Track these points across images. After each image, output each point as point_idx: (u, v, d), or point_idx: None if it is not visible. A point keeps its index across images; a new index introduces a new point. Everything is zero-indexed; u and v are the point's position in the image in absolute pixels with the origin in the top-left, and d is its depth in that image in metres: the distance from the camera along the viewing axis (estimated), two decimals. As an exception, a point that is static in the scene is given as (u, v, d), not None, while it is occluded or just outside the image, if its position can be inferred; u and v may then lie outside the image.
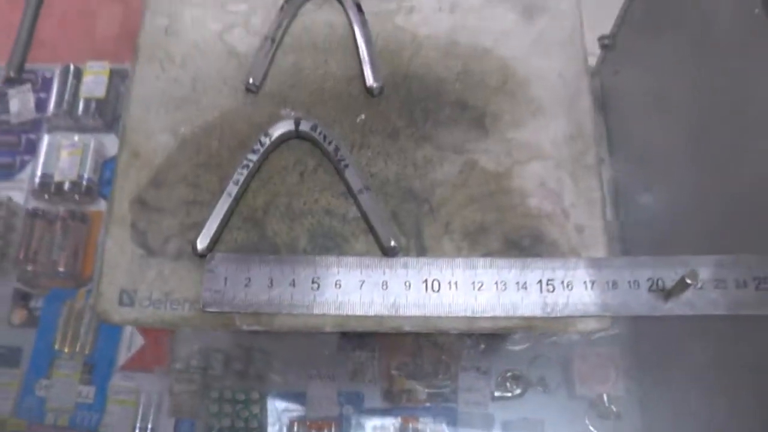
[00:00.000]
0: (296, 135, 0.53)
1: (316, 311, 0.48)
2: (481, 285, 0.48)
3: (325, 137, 0.52)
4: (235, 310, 0.48)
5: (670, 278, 0.48)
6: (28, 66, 0.97)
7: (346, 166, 0.51)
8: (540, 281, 0.49)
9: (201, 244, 0.49)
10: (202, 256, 0.49)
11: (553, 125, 0.54)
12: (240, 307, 0.48)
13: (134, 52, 0.55)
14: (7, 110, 1.03)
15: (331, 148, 0.51)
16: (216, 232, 0.49)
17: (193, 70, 0.56)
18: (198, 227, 0.49)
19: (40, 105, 1.03)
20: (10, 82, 0.96)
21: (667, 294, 0.48)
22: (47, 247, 0.92)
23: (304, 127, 0.52)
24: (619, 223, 0.91)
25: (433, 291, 0.49)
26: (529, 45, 0.57)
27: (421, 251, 0.50)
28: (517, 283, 0.49)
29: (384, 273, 0.49)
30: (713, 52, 0.62)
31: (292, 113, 0.54)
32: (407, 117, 0.54)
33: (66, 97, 0.99)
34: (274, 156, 0.52)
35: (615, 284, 0.49)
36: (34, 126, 1.03)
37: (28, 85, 1.05)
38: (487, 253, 0.50)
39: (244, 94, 0.54)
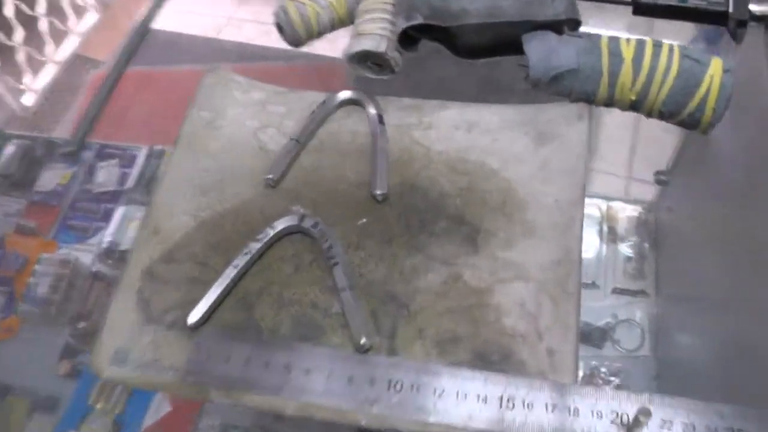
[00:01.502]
0: (298, 230, 0.58)
1: (283, 394, 0.52)
2: (442, 392, 0.51)
3: (323, 235, 0.57)
4: (211, 382, 0.53)
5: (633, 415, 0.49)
6: (117, 143, 1.12)
7: (336, 264, 0.55)
8: (501, 396, 0.51)
9: (193, 318, 0.54)
10: (192, 329, 0.55)
11: (542, 248, 0.57)
12: (216, 381, 0.52)
13: (175, 139, 0.64)
14: (91, 180, 1.17)
15: (325, 246, 0.57)
16: (209, 309, 0.54)
17: (224, 163, 0.63)
18: (196, 304, 0.55)
19: (123, 179, 1.17)
20: (70, 155, 1.11)
21: (628, 430, 0.48)
22: (102, 307, 1.03)
23: (307, 223, 0.58)
24: (657, 360, 0.90)
25: (395, 391, 0.51)
26: (534, 170, 0.61)
27: (392, 352, 0.53)
28: (478, 395, 0.51)
29: (352, 368, 0.52)
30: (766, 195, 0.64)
31: (301, 209, 0.60)
32: (404, 225, 0.58)
33: (146, 173, 1.13)
34: (276, 246, 0.58)
35: (577, 411, 0.50)
36: (113, 197, 1.17)
37: (117, 160, 1.20)
38: (455, 363, 0.52)
39: (264, 188, 0.61)
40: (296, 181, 0.62)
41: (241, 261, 0.56)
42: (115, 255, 1.06)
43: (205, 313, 0.55)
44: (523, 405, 0.50)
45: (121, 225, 1.10)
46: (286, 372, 0.52)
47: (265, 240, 0.57)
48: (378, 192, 0.59)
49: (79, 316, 1.02)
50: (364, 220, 0.59)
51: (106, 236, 1.10)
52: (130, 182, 1.15)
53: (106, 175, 1.21)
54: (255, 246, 0.57)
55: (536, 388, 0.50)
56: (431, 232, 0.58)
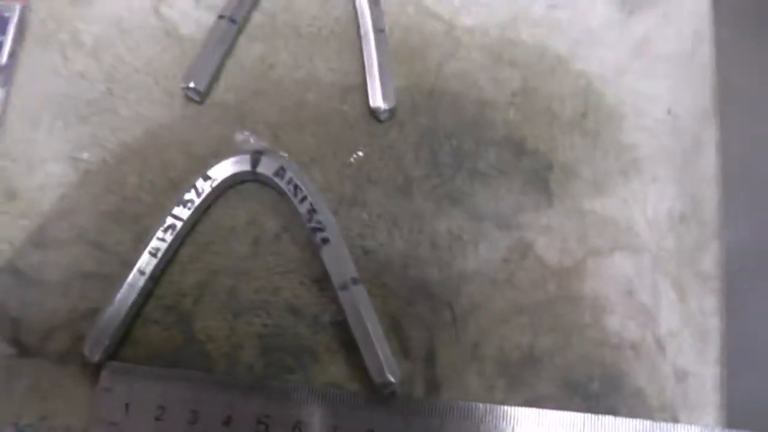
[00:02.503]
0: (253, 178, 0.33)
1: None
2: None
3: (296, 187, 0.32)
4: (136, 458, 0.32)
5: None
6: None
7: (325, 240, 0.32)
8: None
9: (94, 347, 0.30)
10: (96, 364, 0.32)
11: (654, 194, 0.33)
12: (144, 456, 0.32)
13: (16, 27, 0.37)
14: None
15: (303, 207, 0.32)
16: (118, 328, 0.30)
17: (110, 61, 0.35)
18: (96, 316, 0.31)
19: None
20: None
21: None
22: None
23: (266, 168, 0.32)
24: None
25: None
26: (626, 56, 0.36)
27: (432, 387, 0.31)
28: None
29: (370, 419, 0.32)
30: None
31: (252, 140, 0.34)
32: (428, 160, 0.33)
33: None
34: (217, 209, 0.33)
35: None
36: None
37: None
38: (534, 400, 0.31)
39: (183, 104, 0.34)
40: (236, 89, 0.35)
41: (161, 241, 0.32)
42: None
43: (113, 336, 0.31)
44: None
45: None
46: (262, 430, 0.31)
47: (199, 201, 0.32)
48: (382, 105, 0.34)
49: None
50: (360, 153, 0.34)
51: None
52: (4, 55, 0.83)
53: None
54: (182, 212, 0.32)
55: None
56: (472, 169, 0.33)
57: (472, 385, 0.31)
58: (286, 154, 0.33)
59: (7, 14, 0.80)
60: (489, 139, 0.34)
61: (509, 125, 0.34)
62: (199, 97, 0.34)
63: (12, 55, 0.35)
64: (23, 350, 0.32)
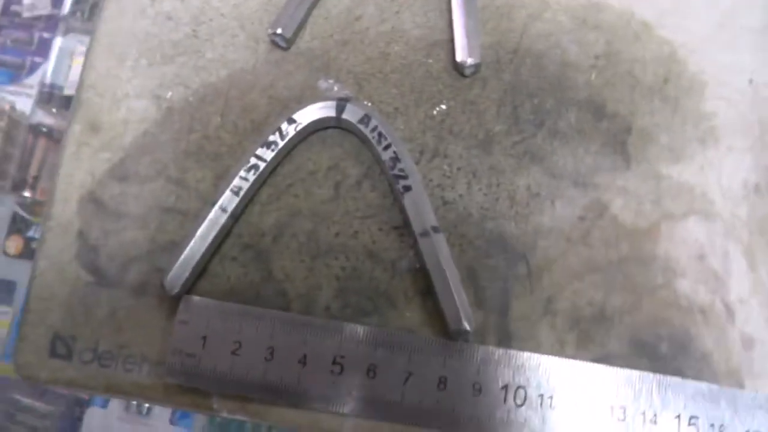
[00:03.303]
0: (337, 125, 0.32)
1: (334, 407, 0.30)
2: (592, 406, 0.30)
3: (380, 135, 0.31)
4: (213, 388, 0.30)
5: None
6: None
7: (407, 188, 0.30)
8: (678, 416, 0.30)
9: (173, 280, 0.29)
10: (174, 297, 0.31)
11: (729, 163, 0.32)
12: (221, 385, 0.29)
13: None
14: (20, 0, 0.84)
15: (387, 155, 0.31)
16: (198, 263, 0.29)
17: (196, 4, 0.34)
18: (174, 250, 0.30)
19: (58, 0, 0.84)
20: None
21: None
22: (50, 170, 0.76)
23: (351, 115, 0.31)
24: None
25: (515, 404, 0.30)
26: (711, 27, 0.34)
27: (504, 338, 0.30)
28: (644, 413, 0.30)
29: (444, 365, 0.30)
30: None
31: (336, 88, 0.33)
32: (510, 117, 0.32)
33: (89, -7, 0.80)
34: (299, 153, 0.32)
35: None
36: (49, 24, 0.84)
37: None
38: (603, 357, 0.30)
39: (268, 49, 0.33)
40: (321, 38, 0.33)
41: (244, 180, 0.30)
42: (58, 101, 0.78)
43: (192, 270, 0.30)
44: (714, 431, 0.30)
45: (61, 61, 0.78)
46: (337, 371, 0.30)
47: (282, 144, 0.31)
48: (468, 60, 0.32)
49: (23, 182, 0.76)
50: (443, 106, 0.32)
51: (46, 76, 0.81)
52: (67, 4, 0.82)
53: (35, -6, 0.87)
54: (266, 153, 0.31)
55: (740, 407, 0.29)
56: (554, 128, 0.32)
57: (543, 339, 0.30)
58: (370, 104, 0.33)
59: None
60: (570, 99, 0.32)
61: (591, 87, 0.33)
62: (285, 44, 0.33)
63: (74, 5, 0.34)
64: (102, 279, 0.31)
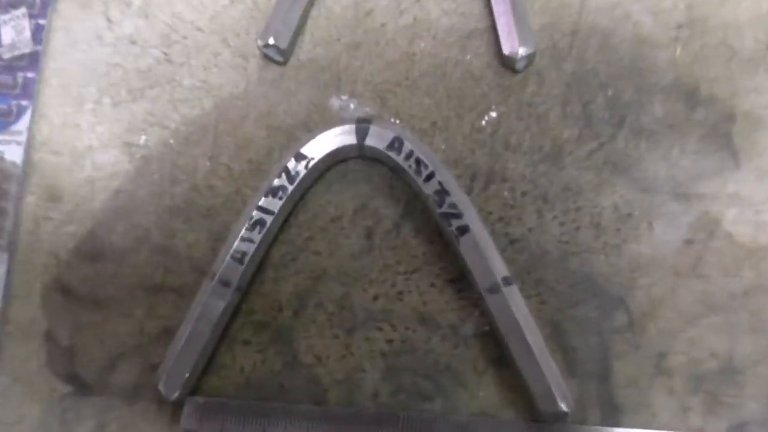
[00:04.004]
0: (359, 154, 0.24)
1: None
2: None
3: (417, 162, 0.23)
4: None
5: None
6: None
7: (463, 230, 0.22)
8: None
9: (171, 380, 0.22)
10: (175, 402, 0.24)
11: None
12: None
13: None
14: None
15: (430, 187, 0.23)
16: (200, 355, 0.22)
17: (165, 20, 0.26)
18: (169, 340, 0.22)
19: (37, 34, 0.77)
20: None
21: None
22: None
23: (376, 139, 0.23)
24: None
25: None
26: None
27: (610, 411, 0.22)
28: None
29: None
30: None
31: (352, 106, 0.26)
32: (580, 117, 0.24)
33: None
34: (315, 196, 0.24)
35: None
36: (32, 62, 0.77)
37: (23, 9, 0.79)
38: (739, 426, 0.21)
39: (260, 66, 0.25)
40: (326, 44, 0.25)
41: (248, 242, 0.23)
42: (49, 144, 0.70)
43: (195, 364, 0.22)
44: None
45: (49, 101, 0.72)
46: None
47: (291, 186, 0.23)
48: (516, 51, 0.24)
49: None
50: (492, 114, 0.24)
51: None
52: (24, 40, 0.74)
53: (13, 32, 0.80)
54: (270, 202, 0.23)
55: None
56: (636, 126, 0.24)
57: (659, 407, 0.22)
58: (398, 121, 0.25)
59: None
60: (653, 85, 0.24)
61: (676, 67, 0.24)
62: (281, 57, 0.25)
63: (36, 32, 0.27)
64: (82, 387, 0.23)
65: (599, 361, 0.22)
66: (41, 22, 0.76)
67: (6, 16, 0.77)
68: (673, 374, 0.22)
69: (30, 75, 0.76)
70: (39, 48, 0.77)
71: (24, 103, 0.75)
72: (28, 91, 0.75)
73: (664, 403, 0.22)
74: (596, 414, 0.22)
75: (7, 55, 0.76)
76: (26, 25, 0.77)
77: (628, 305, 0.23)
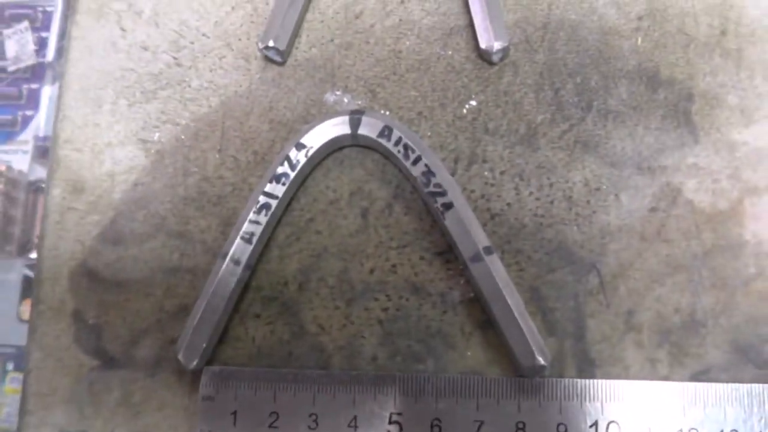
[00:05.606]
0: (353, 142, 0.26)
1: None
2: None
3: (406, 148, 0.26)
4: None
5: None
6: None
7: (448, 206, 0.25)
8: None
9: (190, 351, 0.24)
10: (194, 371, 0.26)
11: (819, 117, 0.28)
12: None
13: (64, 2, 0.31)
14: (3, 55, 0.80)
15: (417, 169, 0.25)
16: (215, 328, 0.24)
17: (173, 28, 0.29)
18: (187, 316, 0.25)
19: (41, 47, 0.80)
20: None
21: None
22: (56, 223, 0.72)
23: (368, 128, 0.26)
24: None
25: None
26: (762, -38, 0.30)
27: (585, 366, 0.24)
28: None
29: (519, 408, 0.25)
30: None
31: (346, 99, 0.28)
32: (552, 102, 0.26)
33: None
34: (315, 181, 0.26)
35: None
36: (36, 74, 0.80)
37: (26, 23, 0.82)
38: (703, 371, 0.24)
39: (261, 67, 0.28)
40: (321, 45, 0.28)
41: (255, 224, 0.25)
42: (56, 152, 0.73)
43: (210, 337, 0.25)
44: None
45: (52, 111, 0.75)
46: (395, 431, 0.26)
47: (293, 173, 0.26)
48: (492, 45, 0.26)
49: (28, 243, 0.72)
50: (472, 102, 0.27)
51: (39, 128, 0.76)
52: (51, 50, 0.78)
53: (17, 46, 0.83)
54: (274, 188, 0.25)
55: None
56: (603, 109, 0.26)
57: (630, 360, 0.24)
58: (388, 112, 0.28)
59: (50, 8, 0.73)
60: (618, 71, 0.27)
61: (639, 54, 0.27)
62: (280, 58, 0.28)
63: (59, 50, 0.29)
64: (108, 361, 0.26)
65: (574, 321, 0.25)
66: (44, 35, 0.79)
67: (9, 31, 0.80)
68: (642, 329, 0.25)
69: (34, 86, 0.79)
70: (42, 59, 0.80)
71: (29, 113, 0.77)
72: (32, 101, 0.77)
73: (634, 356, 0.25)
74: (573, 368, 0.25)
75: (11, 68, 0.79)
76: (29, 39, 0.79)
77: (600, 269, 0.25)
